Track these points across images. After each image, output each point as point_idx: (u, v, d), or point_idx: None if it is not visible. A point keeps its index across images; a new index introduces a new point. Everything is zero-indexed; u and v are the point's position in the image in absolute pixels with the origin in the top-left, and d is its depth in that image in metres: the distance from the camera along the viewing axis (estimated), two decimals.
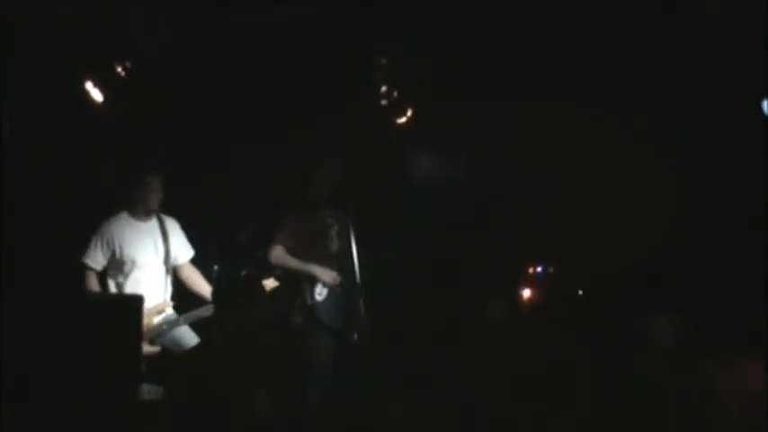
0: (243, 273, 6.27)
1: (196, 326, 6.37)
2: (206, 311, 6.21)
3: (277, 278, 6.45)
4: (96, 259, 6.36)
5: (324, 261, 6.50)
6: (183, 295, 6.53)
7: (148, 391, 5.50)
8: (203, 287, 6.40)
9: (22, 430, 4.69)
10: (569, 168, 6.89)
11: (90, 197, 6.82)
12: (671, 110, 6.68)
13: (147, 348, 6.05)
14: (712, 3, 6.25)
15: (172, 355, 6.06)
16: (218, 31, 6.60)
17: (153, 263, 6.40)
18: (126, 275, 6.35)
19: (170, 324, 6.34)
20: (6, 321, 4.87)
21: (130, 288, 6.31)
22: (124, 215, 6.43)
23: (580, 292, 6.89)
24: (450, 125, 7.10)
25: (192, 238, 6.61)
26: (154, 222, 6.46)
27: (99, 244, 6.36)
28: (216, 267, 6.84)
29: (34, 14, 6.32)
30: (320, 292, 6.48)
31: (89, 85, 6.58)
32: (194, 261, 6.61)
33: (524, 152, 7.04)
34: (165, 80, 6.88)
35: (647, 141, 6.58)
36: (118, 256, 6.35)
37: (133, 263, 6.35)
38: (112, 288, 6.37)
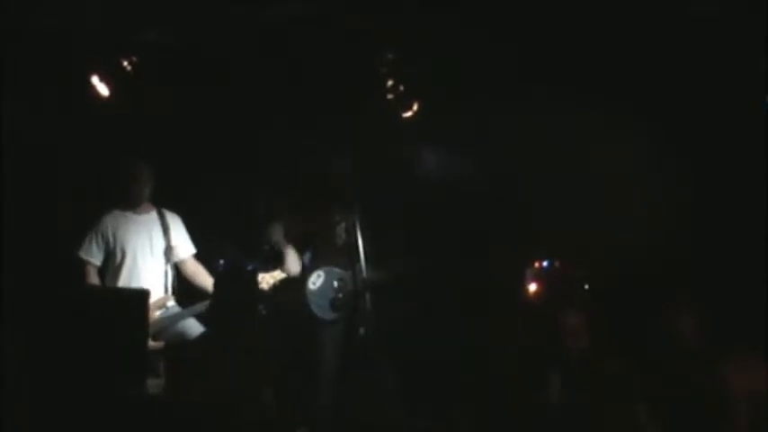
0: (250, 268, 6.25)
1: (202, 319, 6.35)
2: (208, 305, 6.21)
3: (283, 270, 6.48)
4: (92, 253, 6.38)
5: (329, 255, 6.52)
6: (189, 290, 6.55)
7: (154, 385, 5.50)
8: (208, 282, 6.39)
9: (27, 426, 4.68)
10: (569, 167, 6.90)
11: (91, 193, 6.82)
12: (673, 108, 6.68)
13: (150, 344, 6.01)
14: (713, 4, 6.25)
15: (175, 349, 6.06)
16: (218, 29, 6.61)
17: (148, 256, 6.41)
18: (119, 267, 6.36)
19: (172, 318, 6.33)
20: (10, 317, 4.86)
21: (125, 280, 6.33)
22: (118, 209, 6.46)
23: (586, 287, 6.89)
24: (455, 123, 7.10)
25: (198, 235, 6.64)
26: (152, 216, 6.49)
27: (94, 238, 6.39)
28: (221, 262, 6.85)
29: (33, 12, 6.32)
30: (315, 282, 6.49)
31: (94, 80, 6.62)
32: (200, 257, 6.62)
33: (525, 151, 7.04)
34: (167, 77, 6.89)
35: (650, 140, 6.59)
36: (111, 248, 6.37)
37: (125, 255, 6.37)
38: (108, 281, 6.36)
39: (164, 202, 6.57)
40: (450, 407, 6.27)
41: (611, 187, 6.79)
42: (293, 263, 6.53)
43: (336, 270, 6.53)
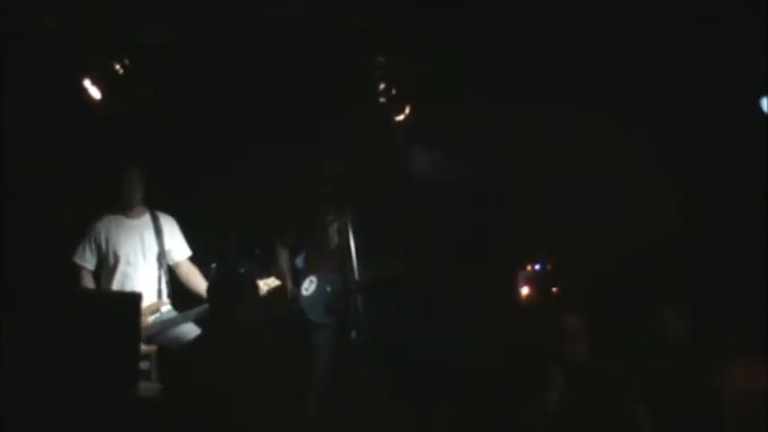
0: (241, 271, 6.26)
1: (199, 322, 6.33)
2: (205, 309, 6.20)
3: (278, 277, 6.47)
4: (86, 258, 6.37)
5: (322, 257, 6.52)
6: (185, 294, 6.52)
7: (146, 389, 5.50)
8: (201, 286, 6.36)
9: (19, 429, 4.67)
10: (569, 167, 6.90)
11: (89, 197, 6.82)
12: (673, 109, 6.67)
13: (143, 347, 5.97)
14: (713, 4, 6.24)
15: (169, 353, 6.07)
16: (216, 30, 6.61)
17: (140, 260, 6.38)
18: (112, 272, 6.34)
19: (166, 323, 6.30)
20: (4, 320, 4.86)
21: (118, 285, 6.30)
22: (110, 213, 6.43)
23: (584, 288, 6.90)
24: (454, 123, 7.10)
25: (193, 237, 6.60)
26: (145, 219, 6.45)
27: (87, 242, 6.37)
28: (213, 266, 6.85)
29: (33, 12, 6.33)
30: (307, 288, 6.48)
31: (87, 83, 6.62)
32: (194, 260, 6.59)
33: (525, 151, 7.03)
34: (164, 79, 6.89)
35: (650, 140, 6.58)
36: (104, 252, 6.36)
37: (117, 259, 6.34)
38: (103, 285, 6.34)
39: (159, 204, 6.55)
40: (448, 407, 6.26)
41: (611, 187, 6.78)
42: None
43: (329, 274, 6.50)
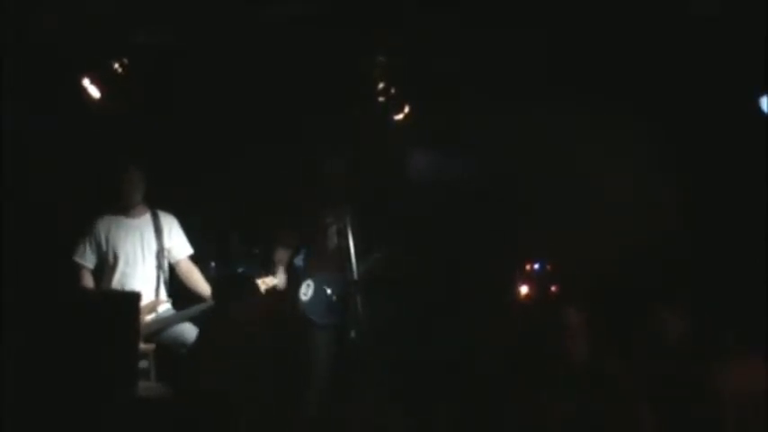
0: (239, 271, 6.24)
1: (198, 321, 6.33)
2: (203, 308, 6.23)
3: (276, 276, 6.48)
4: (86, 257, 6.39)
5: (322, 259, 6.51)
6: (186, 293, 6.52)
7: (145, 388, 5.50)
8: (201, 284, 6.41)
9: (18, 429, 4.67)
10: (568, 167, 6.89)
11: (89, 197, 6.82)
12: (673, 108, 6.67)
13: (141, 346, 5.95)
14: (713, 4, 6.24)
15: (167, 352, 6.07)
16: (216, 30, 6.61)
17: (139, 259, 6.38)
18: (111, 271, 6.35)
19: (164, 322, 6.30)
20: (4, 320, 4.86)
21: (116, 284, 6.32)
22: (110, 213, 6.45)
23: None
24: (450, 123, 7.10)
25: (192, 237, 6.60)
26: (145, 218, 6.46)
27: (88, 241, 6.39)
28: (212, 265, 6.85)
29: (33, 12, 6.33)
30: (305, 292, 6.47)
31: (86, 83, 6.62)
32: (193, 260, 6.59)
33: (525, 151, 7.03)
34: (164, 78, 6.89)
35: (647, 140, 6.58)
36: (103, 251, 6.37)
37: (116, 258, 6.35)
38: (103, 284, 6.35)
39: (159, 204, 6.55)
40: (448, 407, 6.26)
41: (611, 187, 6.77)
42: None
43: (325, 275, 6.47)
